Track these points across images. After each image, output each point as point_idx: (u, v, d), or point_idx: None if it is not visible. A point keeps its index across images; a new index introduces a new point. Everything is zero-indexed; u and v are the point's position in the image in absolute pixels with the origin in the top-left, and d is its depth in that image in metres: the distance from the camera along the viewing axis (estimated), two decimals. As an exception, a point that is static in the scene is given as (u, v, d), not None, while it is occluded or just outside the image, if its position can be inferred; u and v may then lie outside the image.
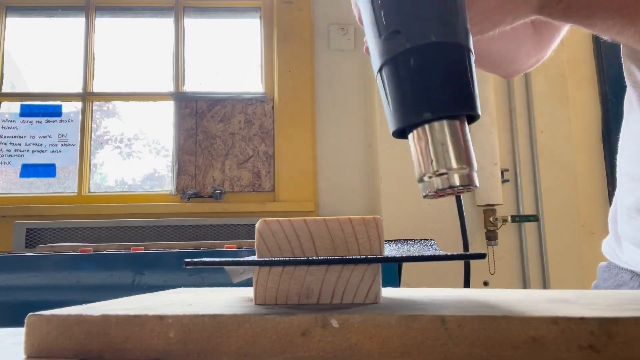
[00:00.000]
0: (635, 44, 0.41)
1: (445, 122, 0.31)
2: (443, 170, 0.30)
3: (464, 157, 0.30)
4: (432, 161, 0.31)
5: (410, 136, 0.32)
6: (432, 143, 0.31)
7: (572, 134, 2.19)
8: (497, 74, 0.66)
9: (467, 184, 0.31)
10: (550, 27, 0.60)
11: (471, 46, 0.32)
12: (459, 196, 0.48)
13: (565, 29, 0.60)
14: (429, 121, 0.31)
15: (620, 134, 0.59)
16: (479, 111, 0.32)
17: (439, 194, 0.32)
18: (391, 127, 0.32)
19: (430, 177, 0.31)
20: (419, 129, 0.31)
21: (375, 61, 0.33)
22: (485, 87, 2.08)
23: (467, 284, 0.50)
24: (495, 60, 0.61)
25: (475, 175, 0.31)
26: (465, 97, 0.31)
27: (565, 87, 2.21)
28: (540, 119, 2.18)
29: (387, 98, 0.32)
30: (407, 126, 0.32)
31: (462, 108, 0.31)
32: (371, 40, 0.33)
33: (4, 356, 0.27)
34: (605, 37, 0.42)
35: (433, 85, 0.30)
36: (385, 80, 0.32)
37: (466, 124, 0.32)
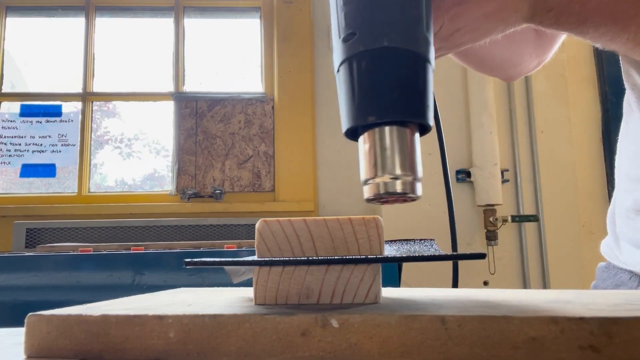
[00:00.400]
0: (628, 51, 0.41)
1: (392, 128, 0.30)
2: (385, 176, 0.30)
3: (407, 165, 0.30)
4: (375, 165, 0.31)
5: (359, 139, 0.32)
6: (377, 147, 0.31)
7: (572, 134, 2.19)
8: (499, 77, 0.65)
9: (408, 191, 0.30)
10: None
11: (429, 55, 0.32)
12: (451, 198, 0.49)
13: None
14: (376, 125, 0.31)
15: (619, 134, 0.59)
16: (430, 121, 0.31)
17: (381, 199, 0.31)
18: (342, 127, 0.33)
19: (372, 181, 0.31)
20: (367, 133, 0.31)
21: (334, 62, 0.33)
22: (485, 87, 2.08)
23: (455, 284, 0.50)
24: (497, 64, 0.61)
25: (418, 185, 0.31)
26: (413, 105, 0.30)
27: (565, 87, 2.21)
28: (540, 119, 2.18)
29: (340, 99, 0.33)
30: (355, 128, 0.32)
31: (409, 115, 0.30)
32: (334, 40, 0.34)
33: (4, 356, 0.27)
34: (597, 44, 0.42)
35: (381, 90, 0.30)
36: (339, 81, 0.32)
37: (416, 133, 0.32)
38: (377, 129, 0.31)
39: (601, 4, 0.38)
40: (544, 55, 0.61)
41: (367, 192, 0.31)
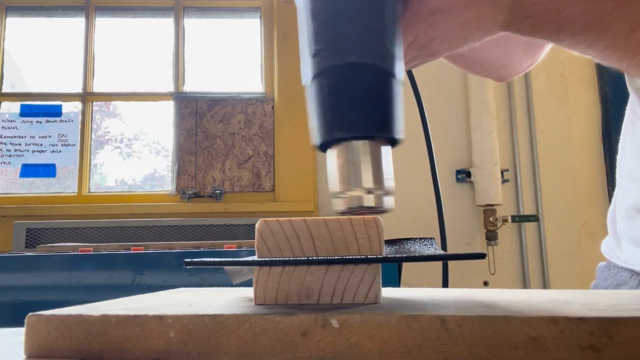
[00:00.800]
0: (606, 57, 0.40)
1: (360, 143, 0.31)
2: (356, 190, 0.31)
3: (377, 179, 0.31)
4: (346, 180, 0.31)
5: (327, 152, 0.33)
6: (347, 162, 0.31)
7: (572, 134, 2.19)
8: (491, 78, 0.66)
9: (379, 206, 0.31)
10: None
11: (395, 70, 0.32)
12: (439, 198, 0.49)
13: None
14: (344, 140, 0.31)
15: (620, 135, 0.59)
16: (398, 134, 0.32)
17: (352, 212, 0.32)
18: (313, 141, 0.33)
19: (344, 195, 0.31)
20: (336, 147, 0.32)
21: (303, 76, 0.34)
22: (485, 87, 2.08)
23: (445, 284, 0.51)
24: (487, 66, 0.61)
25: (387, 198, 0.31)
26: (379, 120, 0.31)
27: (565, 87, 2.21)
28: (540, 119, 2.18)
29: (310, 113, 0.33)
30: (325, 143, 0.32)
31: (375, 130, 0.31)
32: (303, 54, 0.34)
33: (4, 356, 0.27)
34: (574, 51, 0.42)
35: (347, 106, 0.31)
36: (310, 96, 0.33)
37: (386, 146, 0.32)
38: (346, 144, 0.31)
39: (576, 13, 0.37)
40: (535, 56, 0.61)
41: (339, 205, 0.32)
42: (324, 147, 0.33)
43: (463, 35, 0.39)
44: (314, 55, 0.32)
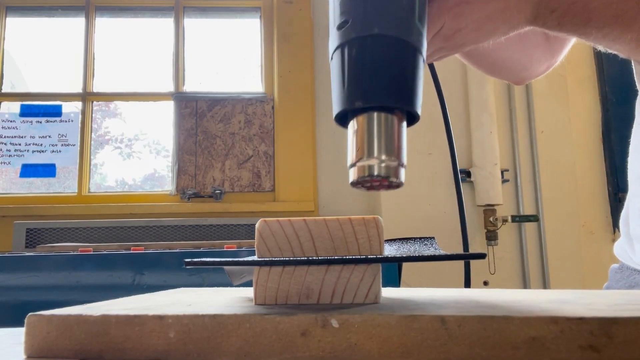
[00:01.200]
0: (632, 51, 0.40)
1: (379, 114, 0.31)
2: (370, 159, 0.30)
3: (393, 150, 0.30)
4: (360, 149, 0.31)
5: (348, 125, 0.32)
6: (364, 132, 0.31)
7: (572, 134, 2.19)
8: (509, 81, 0.65)
9: (391, 176, 0.30)
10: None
11: (420, 46, 0.32)
12: (461, 195, 0.48)
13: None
14: (365, 111, 0.31)
15: (631, 137, 0.59)
16: (417, 109, 0.31)
17: (365, 183, 0.32)
18: (333, 113, 0.33)
19: (357, 164, 0.31)
20: (355, 118, 0.31)
21: (329, 49, 0.34)
22: (485, 87, 2.08)
23: (467, 284, 0.50)
24: (508, 66, 0.61)
25: (402, 171, 0.31)
26: (400, 91, 0.31)
27: (565, 87, 2.21)
28: (540, 119, 2.18)
29: (332, 85, 0.33)
30: (345, 115, 0.32)
31: (395, 100, 0.31)
32: (330, 28, 0.34)
33: (4, 356, 0.27)
34: (600, 45, 0.41)
35: (369, 76, 0.31)
36: (332, 68, 0.33)
37: (404, 121, 0.32)
38: (364, 115, 0.31)
39: (604, 4, 0.37)
40: (553, 59, 0.61)
41: (352, 175, 0.31)
42: (343, 120, 0.33)
43: (489, 27, 0.39)
44: (339, 27, 0.32)
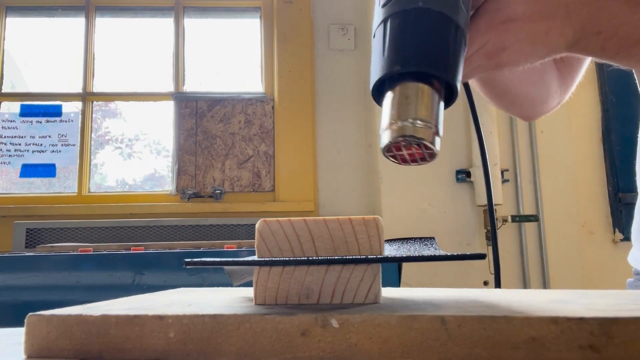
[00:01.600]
0: None
1: (418, 83, 0.31)
2: (406, 121, 0.30)
3: (431, 116, 0.30)
4: (396, 112, 0.30)
5: (385, 96, 0.32)
6: (401, 96, 0.31)
7: (572, 134, 2.19)
8: (522, 116, 0.65)
9: (427, 140, 0.30)
10: (571, 69, 0.60)
11: (461, 23, 0.32)
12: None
13: (584, 69, 0.60)
14: (403, 78, 0.31)
15: (638, 139, 0.59)
16: (456, 82, 0.31)
17: (399, 151, 0.31)
18: (370, 86, 0.33)
19: (391, 126, 0.30)
20: (393, 90, 0.31)
21: (373, 29, 0.34)
22: (485, 87, 2.08)
23: (497, 284, 0.50)
24: (529, 101, 0.61)
25: (437, 140, 0.30)
26: (439, 60, 0.31)
27: (565, 87, 2.21)
28: (540, 119, 2.18)
29: (372, 61, 0.33)
30: (381, 88, 0.32)
31: (434, 68, 0.30)
32: (375, 12, 0.34)
33: (4, 356, 0.27)
34: (635, 68, 0.41)
35: (409, 44, 0.31)
36: (373, 45, 0.33)
37: (442, 94, 0.32)
38: (402, 84, 0.31)
39: None
40: (565, 94, 0.62)
41: (385, 137, 0.31)
42: (379, 94, 0.32)
43: (529, 49, 0.38)
44: (384, 5, 0.32)
